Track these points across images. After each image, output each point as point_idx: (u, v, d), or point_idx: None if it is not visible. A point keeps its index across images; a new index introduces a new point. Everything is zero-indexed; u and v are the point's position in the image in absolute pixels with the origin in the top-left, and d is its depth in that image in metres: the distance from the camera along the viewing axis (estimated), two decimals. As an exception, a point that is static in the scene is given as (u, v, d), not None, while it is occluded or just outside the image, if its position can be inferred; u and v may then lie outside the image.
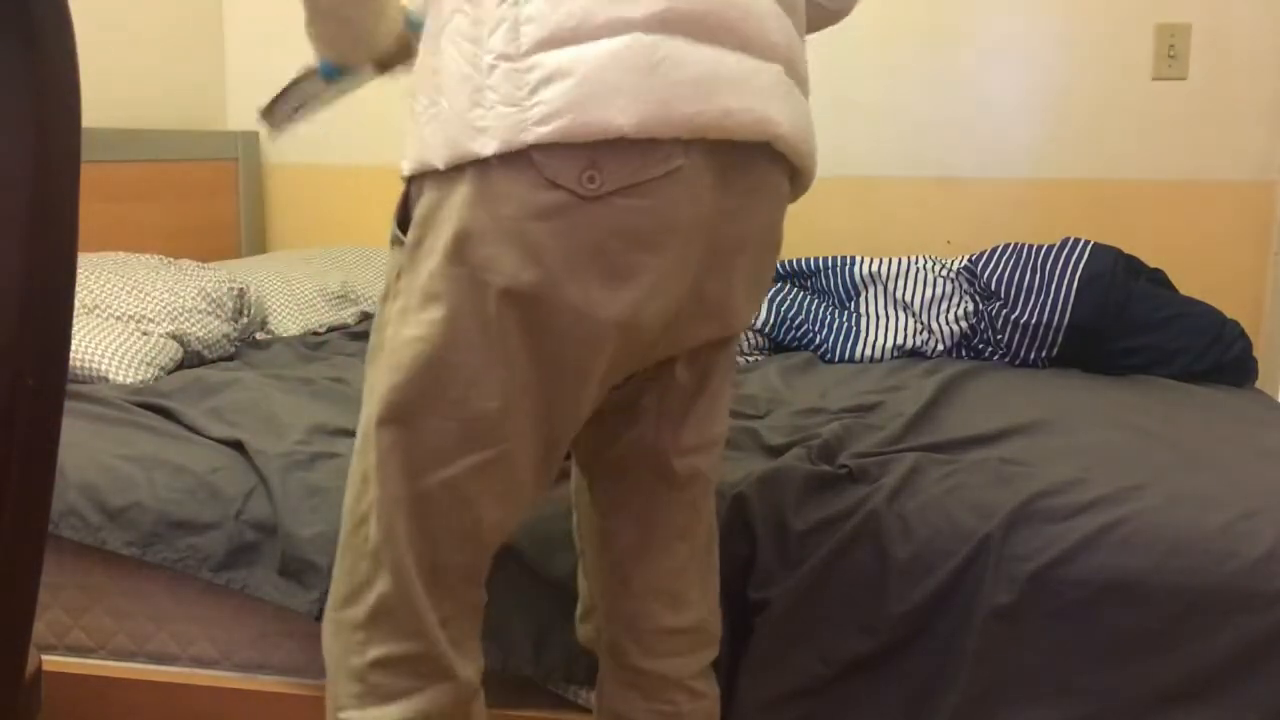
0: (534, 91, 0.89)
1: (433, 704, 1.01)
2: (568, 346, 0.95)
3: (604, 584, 1.17)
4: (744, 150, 0.97)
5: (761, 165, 0.99)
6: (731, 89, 0.93)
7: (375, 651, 1.00)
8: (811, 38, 2.96)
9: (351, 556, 1.02)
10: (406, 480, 0.97)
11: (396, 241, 0.99)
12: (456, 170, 0.92)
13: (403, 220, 0.99)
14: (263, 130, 1.05)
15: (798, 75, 1.02)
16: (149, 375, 1.95)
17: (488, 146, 0.90)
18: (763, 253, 1.05)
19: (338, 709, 1.03)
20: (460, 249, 0.92)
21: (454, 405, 0.95)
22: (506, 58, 0.90)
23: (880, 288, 2.37)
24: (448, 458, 0.96)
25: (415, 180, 0.97)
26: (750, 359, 2.32)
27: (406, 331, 0.95)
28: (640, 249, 0.93)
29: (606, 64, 0.89)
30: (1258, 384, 2.22)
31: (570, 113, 0.89)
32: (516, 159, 0.90)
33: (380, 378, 0.98)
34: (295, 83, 1.26)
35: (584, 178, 0.90)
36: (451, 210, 0.92)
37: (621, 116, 0.89)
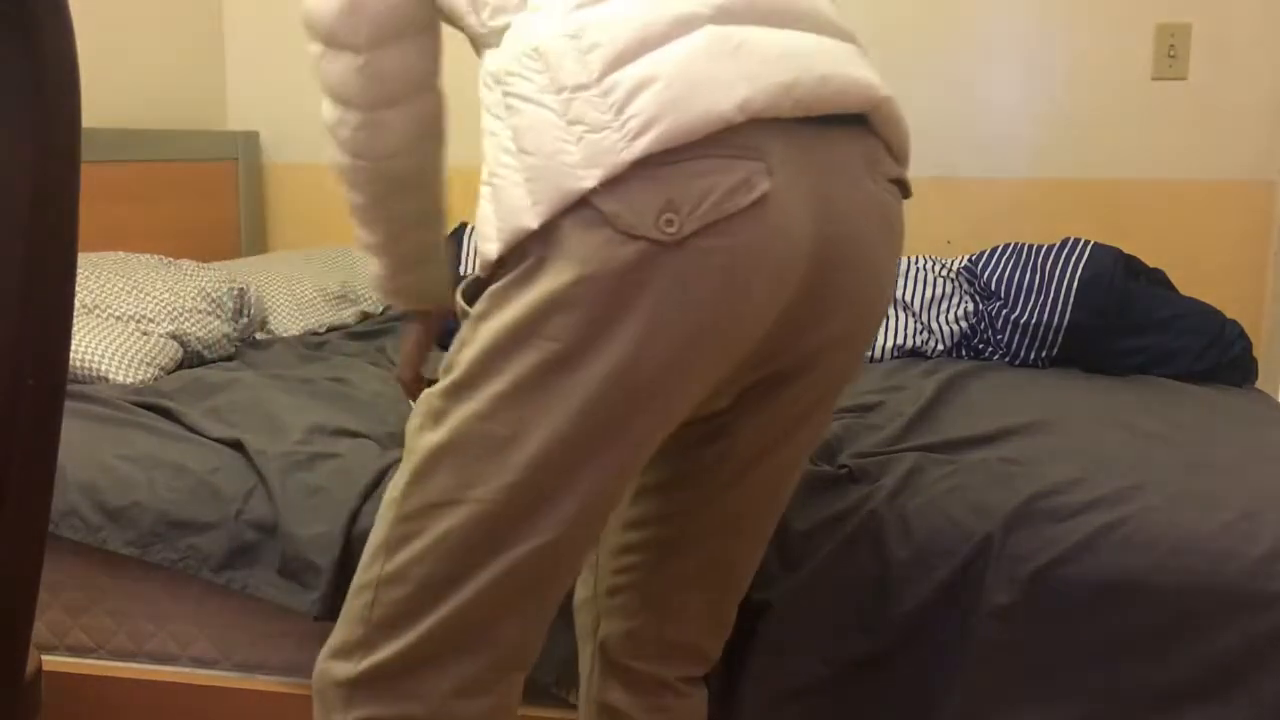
0: (622, 109, 0.85)
1: None
2: (648, 408, 0.90)
3: (620, 582, 1.15)
4: (842, 145, 0.93)
5: (861, 157, 0.95)
6: (821, 57, 0.90)
7: (361, 712, 0.98)
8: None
9: (349, 614, 0.98)
10: (473, 559, 0.93)
11: (464, 314, 0.94)
12: (522, 247, 0.87)
13: (467, 296, 0.94)
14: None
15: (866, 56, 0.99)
16: (149, 375, 1.95)
17: (588, 178, 0.84)
18: (883, 258, 0.98)
19: None
20: (531, 321, 0.87)
21: (515, 488, 0.91)
22: (583, 87, 0.86)
23: (880, 288, 2.37)
24: (510, 540, 0.93)
25: (498, 264, 0.90)
26: (750, 359, 2.31)
27: (467, 406, 0.90)
28: (752, 277, 0.88)
29: (689, 59, 0.86)
30: (1258, 384, 2.22)
31: (669, 115, 0.84)
32: (584, 215, 0.85)
33: (433, 453, 0.92)
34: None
35: (661, 221, 0.84)
36: (523, 285, 0.88)
37: (723, 102, 0.84)
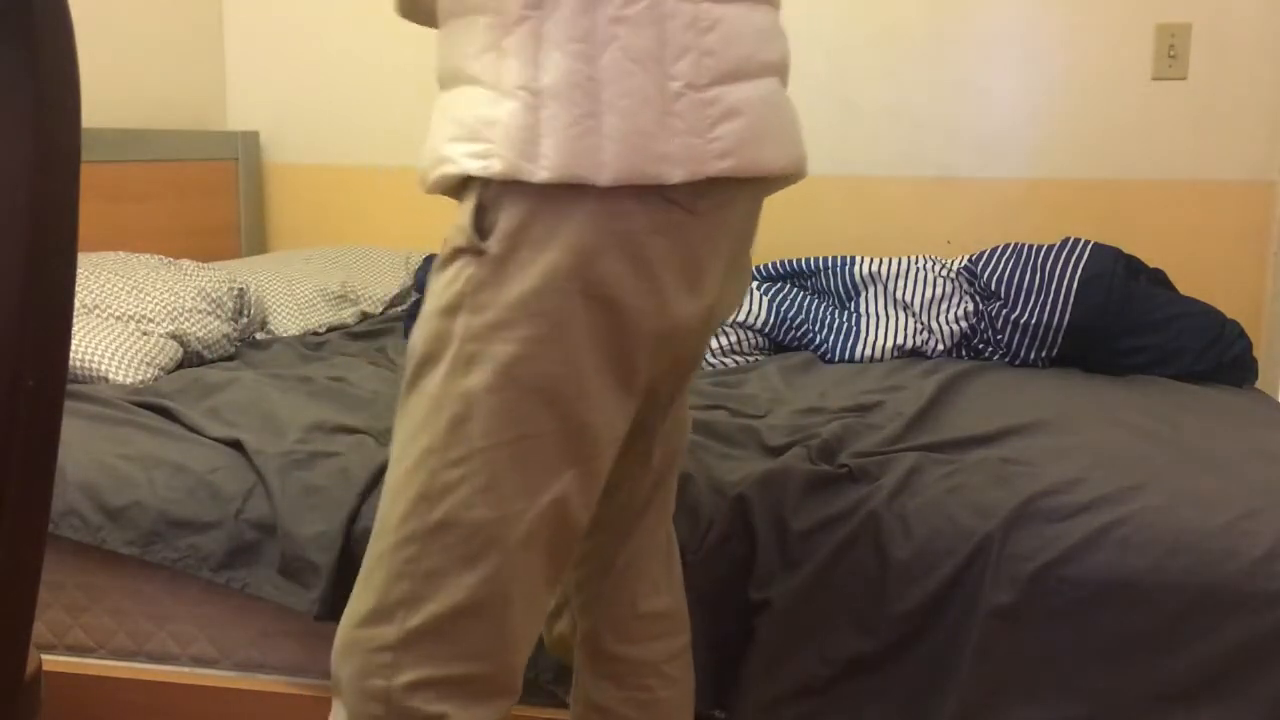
0: (714, 125, 0.91)
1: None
2: (658, 356, 0.97)
3: (585, 572, 1.17)
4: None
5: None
6: (796, 128, 1.02)
7: (412, 674, 0.94)
8: (811, 38, 2.97)
9: (387, 574, 0.94)
10: (525, 498, 0.93)
11: (471, 251, 0.92)
12: (575, 187, 0.89)
13: (479, 228, 0.92)
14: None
15: None
16: (149, 375, 1.95)
17: (674, 174, 0.90)
18: (749, 249, 1.11)
19: None
20: (577, 265, 0.90)
21: (564, 420, 0.93)
22: (693, 87, 0.91)
23: (880, 287, 2.37)
24: (557, 472, 0.94)
25: (501, 186, 0.91)
26: (750, 359, 2.32)
27: (505, 349, 0.91)
28: (715, 257, 0.98)
29: (763, 106, 0.95)
30: (1258, 384, 2.22)
31: (741, 151, 0.93)
32: (651, 197, 0.91)
33: (473, 397, 0.91)
34: None
35: (697, 196, 0.93)
36: (565, 225, 0.89)
37: (774, 161, 0.96)
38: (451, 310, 0.92)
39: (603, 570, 1.16)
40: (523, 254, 0.90)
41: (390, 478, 0.96)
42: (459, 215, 0.94)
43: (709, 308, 1.00)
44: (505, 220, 0.90)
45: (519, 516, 0.93)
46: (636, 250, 0.91)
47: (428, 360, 0.94)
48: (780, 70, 0.99)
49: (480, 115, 0.91)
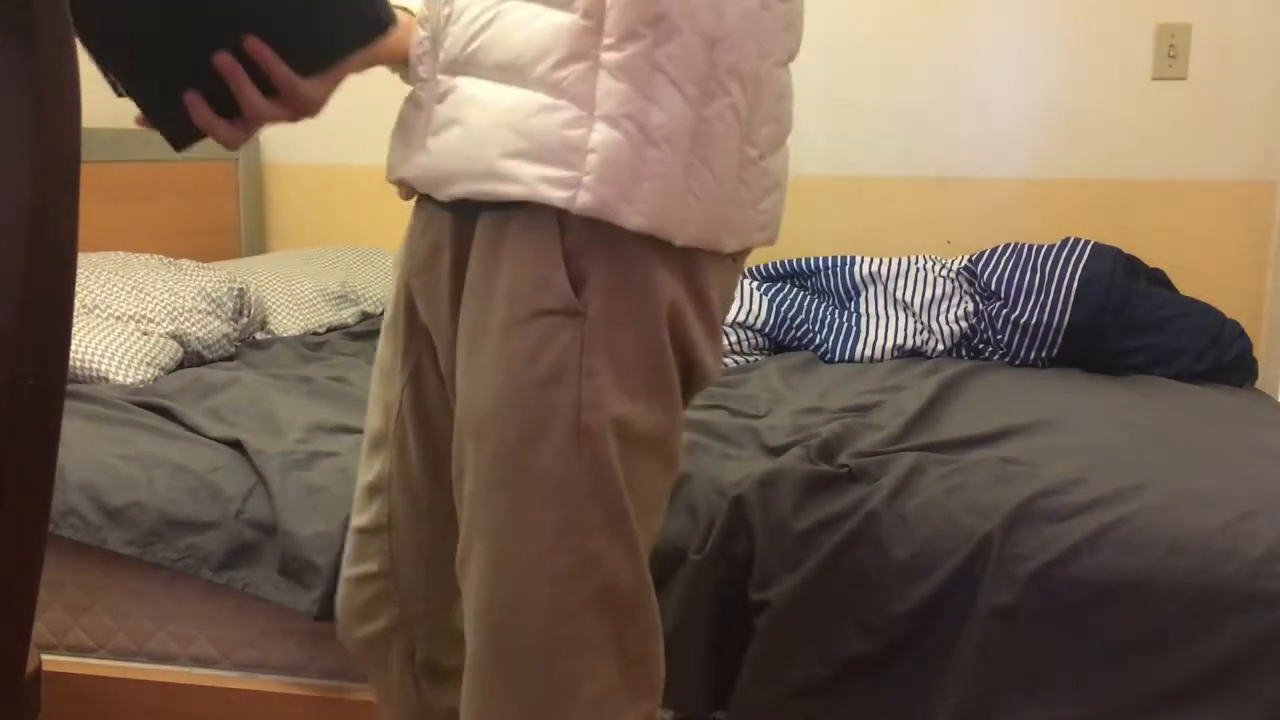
0: (763, 197, 0.89)
1: None
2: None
3: (436, 603, 1.10)
4: None
5: None
6: None
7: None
8: (811, 38, 2.96)
9: (549, 653, 0.87)
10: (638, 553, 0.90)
11: (565, 313, 0.82)
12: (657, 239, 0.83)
13: (573, 281, 0.83)
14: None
15: None
16: (149, 375, 1.95)
17: (730, 245, 0.87)
18: None
19: None
20: (670, 320, 0.85)
21: (670, 469, 0.92)
22: (761, 156, 0.88)
23: (880, 288, 2.37)
24: (661, 512, 0.95)
25: (587, 226, 0.81)
26: (750, 359, 2.32)
27: (624, 410, 0.84)
28: (729, 306, 0.97)
29: (786, 174, 0.94)
30: (1258, 384, 2.22)
31: (773, 224, 0.92)
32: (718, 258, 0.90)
33: (603, 467, 0.85)
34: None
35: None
36: (658, 276, 0.83)
37: (779, 226, 0.94)
38: (550, 381, 0.83)
39: (450, 601, 1.11)
40: (621, 309, 0.83)
41: (494, 564, 0.87)
42: (530, 265, 0.83)
43: None
44: (601, 274, 0.82)
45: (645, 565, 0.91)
46: (705, 305, 0.88)
47: (529, 440, 0.84)
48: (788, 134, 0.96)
49: (565, 136, 0.80)
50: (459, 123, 0.86)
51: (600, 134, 0.79)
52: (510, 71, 0.83)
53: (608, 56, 0.79)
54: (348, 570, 1.11)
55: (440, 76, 0.89)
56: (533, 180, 0.80)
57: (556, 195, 0.80)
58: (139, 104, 0.93)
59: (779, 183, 0.92)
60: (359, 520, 1.10)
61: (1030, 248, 2.31)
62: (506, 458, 0.85)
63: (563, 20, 0.80)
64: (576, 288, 0.82)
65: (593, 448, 0.84)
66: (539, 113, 0.81)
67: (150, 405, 1.75)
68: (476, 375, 0.87)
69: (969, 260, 2.39)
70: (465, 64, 0.86)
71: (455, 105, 0.86)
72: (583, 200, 0.80)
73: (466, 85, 0.86)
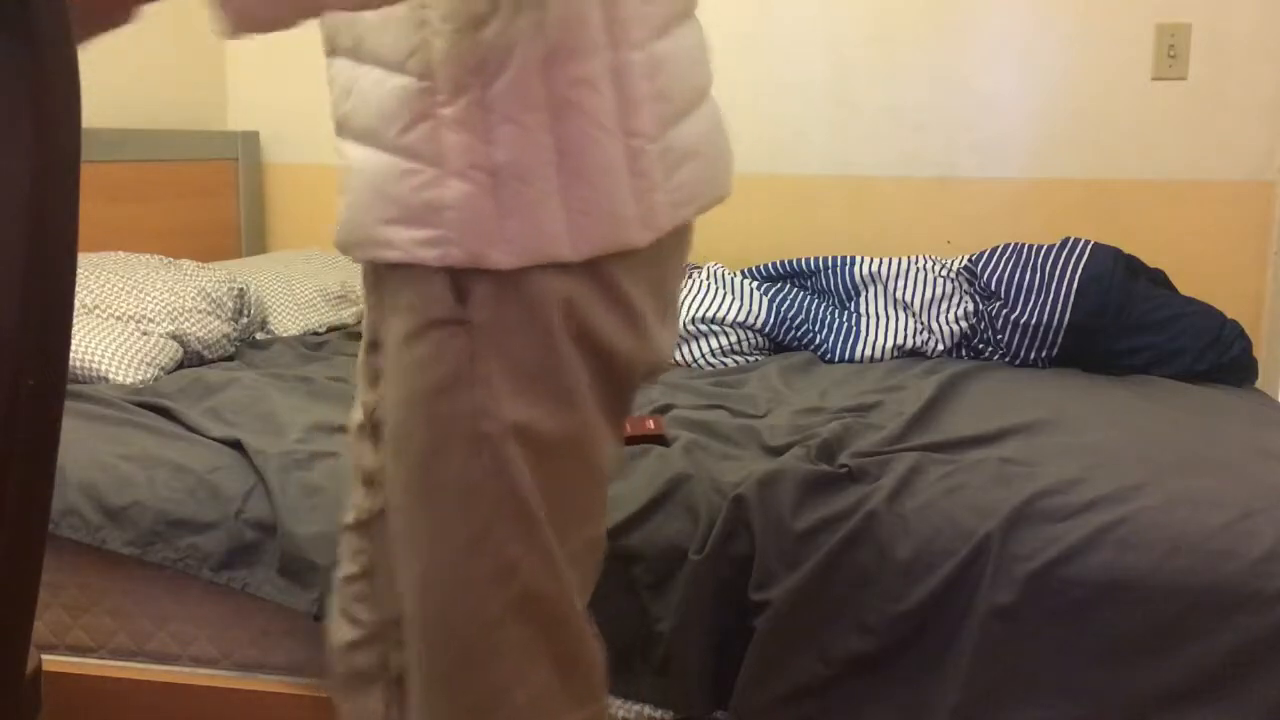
0: (672, 173, 0.86)
1: None
2: (632, 393, 0.93)
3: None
4: None
5: None
6: (728, 140, 0.96)
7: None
8: (811, 38, 2.96)
9: (480, 656, 0.88)
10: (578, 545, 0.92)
11: (452, 322, 0.83)
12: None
13: (456, 292, 0.84)
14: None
15: None
16: (149, 375, 1.95)
17: (643, 237, 0.84)
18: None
19: None
20: (566, 320, 0.84)
21: (593, 470, 0.90)
22: (651, 140, 0.84)
23: (880, 287, 2.37)
24: (595, 518, 0.94)
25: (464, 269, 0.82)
26: (750, 359, 2.32)
27: (521, 416, 0.84)
28: (678, 278, 0.94)
29: (709, 138, 0.89)
30: (1258, 384, 2.22)
31: (699, 193, 0.88)
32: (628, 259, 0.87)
33: (510, 475, 0.85)
34: None
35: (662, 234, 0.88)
36: (549, 284, 0.82)
37: (725, 186, 0.89)
38: (445, 391, 0.84)
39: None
40: (511, 316, 0.83)
41: (419, 575, 0.88)
42: (418, 285, 0.84)
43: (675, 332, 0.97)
44: (489, 283, 0.82)
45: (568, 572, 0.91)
46: (617, 297, 0.86)
47: (435, 450, 0.85)
48: (710, 84, 0.92)
49: (424, 198, 0.81)
50: (349, 190, 0.88)
51: (453, 190, 0.81)
52: (372, 137, 0.85)
53: (445, 112, 0.80)
54: (337, 572, 1.12)
55: (336, 138, 0.92)
56: (407, 244, 0.82)
57: (429, 255, 0.82)
58: None
59: (693, 150, 0.87)
60: (345, 517, 1.11)
61: (1030, 248, 2.31)
62: (417, 468, 0.87)
63: (404, 83, 0.82)
64: (463, 298, 0.83)
65: (494, 455, 0.84)
66: (401, 177, 0.83)
67: (150, 405, 1.75)
68: (387, 388, 0.89)
69: (969, 260, 2.39)
70: (342, 129, 0.89)
71: (347, 170, 0.89)
72: (454, 256, 0.81)
73: (348, 149, 0.89)
